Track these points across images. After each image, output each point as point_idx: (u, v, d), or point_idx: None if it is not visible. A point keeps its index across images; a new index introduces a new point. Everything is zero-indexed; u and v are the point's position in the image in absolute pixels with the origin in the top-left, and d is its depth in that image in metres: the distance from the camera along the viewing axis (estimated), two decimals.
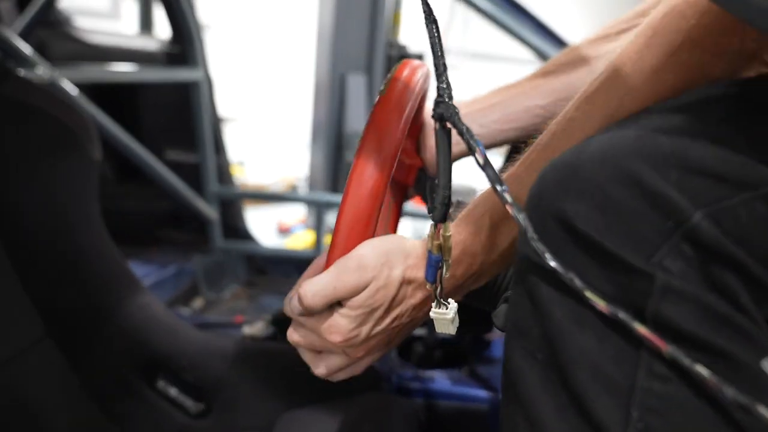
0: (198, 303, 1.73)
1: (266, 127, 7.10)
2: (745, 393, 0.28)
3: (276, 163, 5.88)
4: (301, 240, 3.33)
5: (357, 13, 2.68)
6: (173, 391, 0.97)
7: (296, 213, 4.01)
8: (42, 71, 1.19)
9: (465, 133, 0.34)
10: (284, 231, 4.02)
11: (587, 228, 0.32)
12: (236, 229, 1.95)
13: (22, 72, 1.17)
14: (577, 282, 0.30)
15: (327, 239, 1.95)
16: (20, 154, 0.88)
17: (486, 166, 0.34)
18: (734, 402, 0.28)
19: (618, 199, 0.31)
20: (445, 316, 0.42)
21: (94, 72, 1.44)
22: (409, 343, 1.16)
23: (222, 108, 1.98)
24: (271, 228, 4.04)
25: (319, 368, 0.51)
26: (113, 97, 1.73)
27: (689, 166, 0.31)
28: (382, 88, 0.50)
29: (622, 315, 0.29)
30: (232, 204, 1.93)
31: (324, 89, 2.82)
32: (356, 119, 2.71)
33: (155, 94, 1.86)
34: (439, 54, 0.36)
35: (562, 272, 0.31)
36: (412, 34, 3.03)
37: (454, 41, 6.56)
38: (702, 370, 0.28)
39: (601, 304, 0.30)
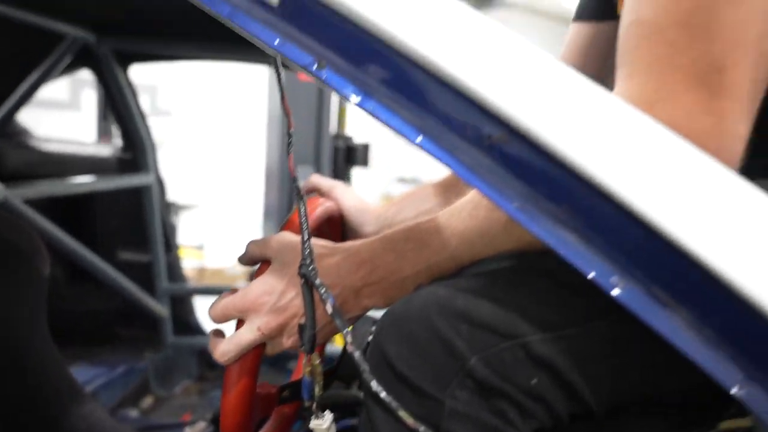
0: (148, 401, 1.75)
1: (225, 212, 7.18)
2: None
3: (234, 245, 5.91)
4: None
5: (304, 107, 2.86)
6: None
7: None
8: None
9: (318, 287, 0.46)
10: None
11: (400, 365, 0.44)
12: (188, 324, 2.00)
13: None
14: (393, 404, 0.41)
15: None
16: None
17: (334, 314, 0.45)
18: None
19: (423, 345, 0.43)
20: (321, 426, 0.52)
21: (49, 187, 1.53)
22: None
23: (181, 196, 2.07)
24: None
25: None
26: (67, 203, 1.82)
27: (473, 321, 0.43)
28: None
29: (422, 429, 0.40)
30: (182, 300, 1.99)
31: (274, 178, 2.96)
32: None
33: (108, 198, 1.95)
34: (305, 230, 0.49)
35: (384, 396, 0.42)
36: (357, 127, 3.23)
37: None
38: None
39: (409, 421, 0.41)
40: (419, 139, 0.39)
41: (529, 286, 0.46)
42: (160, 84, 7.06)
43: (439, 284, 0.47)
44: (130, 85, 1.73)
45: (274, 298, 0.52)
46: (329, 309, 0.45)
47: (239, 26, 0.43)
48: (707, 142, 0.37)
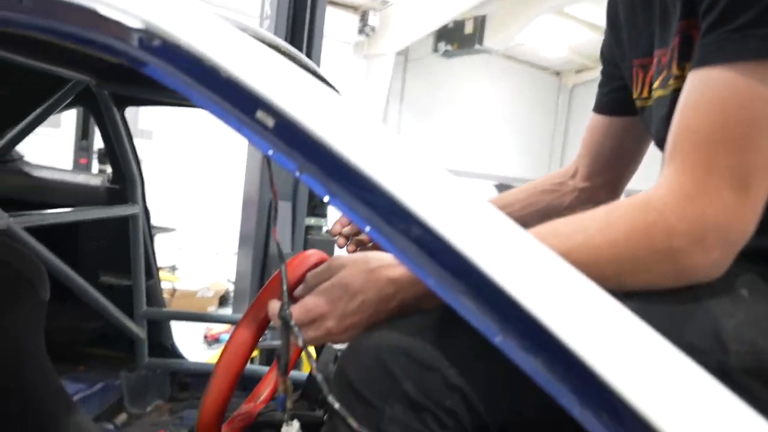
0: (122, 418, 1.86)
1: (199, 235, 7.22)
2: None
3: (207, 268, 5.99)
4: None
5: None
6: None
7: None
8: None
9: (292, 328, 0.63)
10: (212, 339, 4.12)
11: (357, 384, 0.60)
12: (163, 346, 2.12)
13: None
14: (344, 412, 0.58)
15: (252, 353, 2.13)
16: None
17: (304, 347, 0.62)
18: None
19: (372, 371, 0.60)
20: (291, 430, 0.68)
21: (43, 217, 1.66)
22: None
23: (157, 218, 2.17)
24: (199, 337, 4.12)
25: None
26: (55, 228, 1.94)
27: (410, 357, 0.60)
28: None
29: (364, 430, 0.57)
30: (160, 323, 2.11)
31: (252, 208, 3.09)
32: (282, 240, 2.97)
33: (94, 224, 2.07)
34: (285, 282, 0.66)
35: (337, 407, 0.58)
36: None
37: None
38: None
39: (355, 425, 0.57)
40: (368, 228, 0.56)
41: (449, 332, 0.62)
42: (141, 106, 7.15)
43: (391, 326, 0.63)
44: (125, 124, 1.88)
45: (341, 307, 0.65)
46: (300, 344, 0.62)
47: (244, 136, 0.60)
48: (734, 230, 0.55)
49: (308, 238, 3.02)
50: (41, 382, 1.14)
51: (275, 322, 0.67)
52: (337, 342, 0.68)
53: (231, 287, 5.14)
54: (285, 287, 0.65)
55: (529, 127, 11.77)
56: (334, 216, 3.38)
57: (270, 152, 0.59)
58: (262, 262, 3.08)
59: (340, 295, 0.65)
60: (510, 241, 0.54)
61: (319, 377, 0.60)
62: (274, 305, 0.68)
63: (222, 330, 4.08)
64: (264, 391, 0.93)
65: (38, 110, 1.66)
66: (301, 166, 0.58)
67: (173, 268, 5.78)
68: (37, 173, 2.04)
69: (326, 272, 0.69)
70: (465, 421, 0.60)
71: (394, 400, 0.58)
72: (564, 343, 0.50)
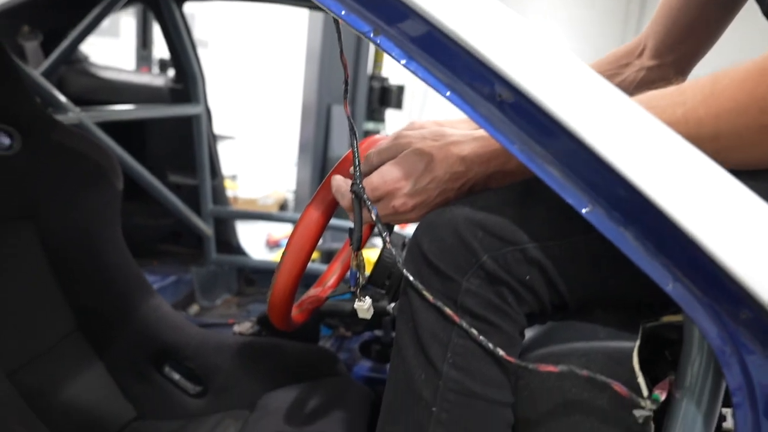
0: (194, 309, 1.98)
1: (258, 144, 7.32)
2: (501, 346, 0.55)
3: (267, 177, 6.11)
4: None
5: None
6: (177, 376, 1.21)
7: (284, 228, 4.26)
8: (71, 114, 1.44)
9: (368, 205, 0.61)
10: (273, 244, 4.26)
11: (431, 257, 0.58)
12: (229, 244, 2.20)
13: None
14: (419, 285, 0.57)
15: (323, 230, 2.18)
16: (64, 188, 1.13)
17: (377, 221, 0.60)
18: (489, 349, 0.55)
19: (450, 245, 0.58)
20: (363, 306, 0.68)
21: (112, 113, 1.69)
22: (369, 342, 1.41)
23: (217, 127, 2.21)
24: (260, 241, 4.27)
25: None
26: (124, 127, 1.99)
27: (486, 230, 0.57)
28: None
29: (439, 304, 0.56)
30: (225, 222, 2.17)
31: (311, 114, 3.07)
32: (340, 145, 2.97)
33: (160, 124, 2.11)
34: (356, 153, 0.63)
35: (412, 280, 0.57)
36: (393, 68, 3.30)
37: None
38: (474, 332, 0.55)
39: (430, 298, 0.57)
40: (448, 93, 0.53)
41: (530, 205, 0.59)
42: (197, 14, 7.10)
43: (465, 201, 0.61)
44: (184, 21, 1.86)
45: (411, 184, 0.62)
46: (373, 217, 0.60)
47: None
48: None
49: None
50: (122, 265, 1.20)
51: (343, 199, 0.65)
52: (403, 221, 0.67)
53: (290, 196, 5.24)
54: (357, 160, 0.63)
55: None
56: (392, 121, 3.32)
57: (342, 12, 0.55)
58: (322, 167, 3.10)
59: (408, 171, 0.63)
60: (604, 101, 0.49)
61: (393, 251, 0.59)
62: (341, 181, 0.66)
63: (283, 235, 4.21)
64: (331, 277, 0.95)
65: (99, 7, 1.65)
66: (376, 29, 0.55)
67: (234, 177, 5.93)
68: (103, 74, 2.07)
69: (392, 149, 0.66)
70: (543, 296, 0.58)
71: (471, 274, 0.56)
72: (668, 214, 0.46)
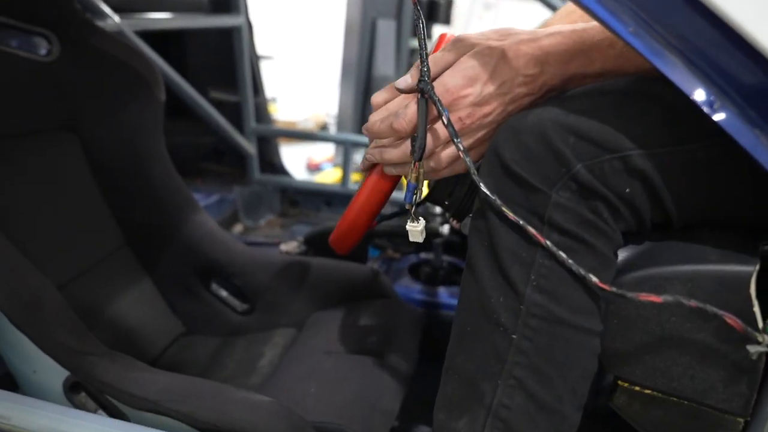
0: (238, 228, 1.96)
1: (298, 65, 7.16)
2: (593, 268, 0.48)
3: (307, 100, 6.00)
4: (329, 176, 3.52)
5: None
6: (224, 293, 1.19)
7: (325, 151, 4.19)
8: (111, 21, 1.37)
9: (436, 102, 0.52)
10: (313, 167, 4.22)
11: (513, 166, 0.50)
12: (272, 164, 2.15)
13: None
14: (498, 202, 0.50)
15: (354, 176, 2.13)
16: (105, 97, 1.08)
17: (449, 125, 0.52)
18: (578, 272, 0.48)
19: (536, 152, 0.50)
20: (416, 228, 0.61)
21: (152, 21, 1.61)
22: (418, 265, 1.37)
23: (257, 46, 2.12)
24: (301, 165, 4.23)
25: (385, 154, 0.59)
26: (163, 40, 1.91)
27: (580, 135, 0.49)
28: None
29: (522, 222, 0.49)
30: (268, 141, 2.12)
31: (354, 32, 2.92)
32: (385, 63, 2.83)
33: (200, 37, 2.02)
34: (423, 43, 0.54)
35: (489, 196, 0.50)
36: None
37: None
38: (562, 255, 0.48)
39: (511, 215, 0.49)
40: None
41: (634, 107, 0.50)
42: None
43: (552, 102, 0.52)
44: None
45: (477, 90, 0.53)
46: (444, 120, 0.52)
47: None
48: None
49: (412, 62, 2.86)
50: (167, 180, 1.16)
51: (406, 96, 0.56)
52: (469, 140, 0.57)
53: (330, 120, 5.14)
54: (424, 50, 0.53)
55: None
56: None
57: None
58: (366, 89, 2.99)
59: (473, 77, 0.53)
60: None
61: (468, 158, 0.51)
62: (406, 79, 0.56)
63: (323, 159, 4.15)
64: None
65: None
66: None
67: (273, 100, 5.84)
68: None
69: (452, 53, 0.56)
70: (644, 213, 0.51)
71: (561, 186, 0.49)
72: None
